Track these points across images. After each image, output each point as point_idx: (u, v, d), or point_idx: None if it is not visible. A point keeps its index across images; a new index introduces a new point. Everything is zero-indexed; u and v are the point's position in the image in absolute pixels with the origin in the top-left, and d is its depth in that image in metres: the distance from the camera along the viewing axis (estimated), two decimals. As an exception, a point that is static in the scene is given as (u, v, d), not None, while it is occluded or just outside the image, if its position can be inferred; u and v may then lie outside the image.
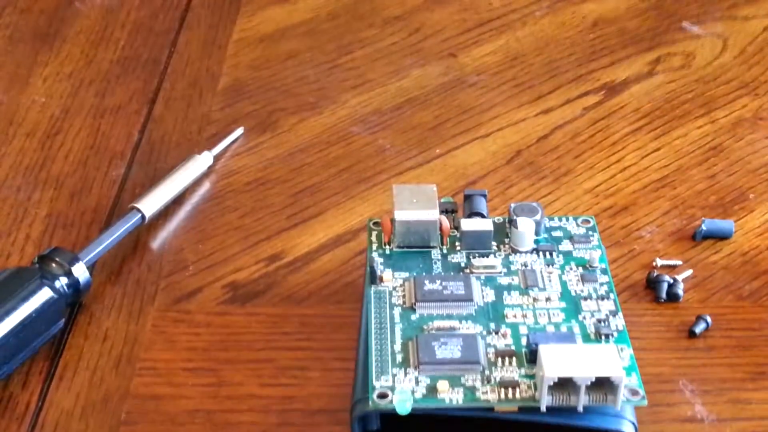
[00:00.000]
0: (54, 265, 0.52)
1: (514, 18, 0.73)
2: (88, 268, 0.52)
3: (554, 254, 0.51)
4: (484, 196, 0.53)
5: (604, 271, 0.50)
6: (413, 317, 0.47)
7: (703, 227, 0.56)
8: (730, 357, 0.50)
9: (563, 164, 0.61)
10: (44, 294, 0.50)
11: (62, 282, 0.51)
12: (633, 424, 0.44)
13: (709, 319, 0.51)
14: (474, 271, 0.50)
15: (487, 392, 0.44)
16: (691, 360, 0.50)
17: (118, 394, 0.49)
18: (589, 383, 0.42)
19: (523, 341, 0.46)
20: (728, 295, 0.53)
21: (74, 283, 0.52)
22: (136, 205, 0.56)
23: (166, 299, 0.54)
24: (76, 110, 0.66)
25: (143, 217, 0.56)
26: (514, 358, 0.45)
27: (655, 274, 0.53)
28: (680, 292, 0.53)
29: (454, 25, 0.73)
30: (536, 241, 0.51)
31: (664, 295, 0.53)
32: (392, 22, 0.73)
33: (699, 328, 0.51)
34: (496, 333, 0.46)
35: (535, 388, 0.44)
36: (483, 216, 0.52)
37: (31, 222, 0.58)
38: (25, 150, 0.63)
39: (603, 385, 0.43)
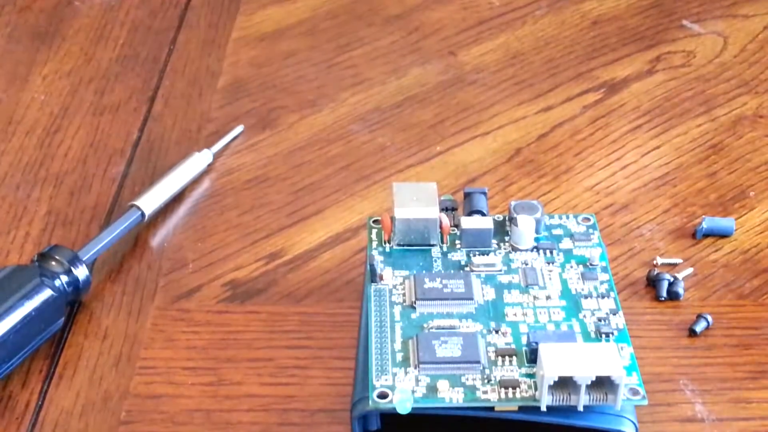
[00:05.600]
0: (53, 263, 0.52)
1: (514, 16, 0.73)
2: (87, 266, 0.52)
3: (554, 252, 0.51)
4: (484, 194, 0.52)
5: (604, 270, 0.50)
6: (413, 315, 0.47)
7: (704, 225, 0.56)
8: (730, 356, 0.50)
9: (563, 162, 0.61)
10: (44, 292, 0.50)
11: (62, 280, 0.51)
12: (633, 423, 0.44)
13: (709, 317, 0.51)
14: (474, 269, 0.50)
15: (487, 392, 0.44)
16: (691, 359, 0.50)
17: (118, 393, 0.49)
18: (589, 382, 0.42)
19: (524, 340, 0.46)
20: (729, 293, 0.53)
21: (74, 282, 0.52)
22: (135, 203, 0.56)
23: (165, 297, 0.54)
24: (76, 108, 0.66)
25: (143, 215, 0.56)
26: (514, 357, 0.45)
27: (655, 273, 0.53)
28: (681, 290, 0.53)
29: (454, 24, 0.73)
30: (536, 239, 0.51)
31: (664, 293, 0.53)
32: (392, 21, 0.73)
33: (699, 327, 0.51)
34: (497, 331, 0.46)
35: (536, 388, 0.44)
36: (483, 214, 0.52)
37: (31, 220, 0.58)
38: (25, 148, 0.63)
39: (603, 385, 0.43)
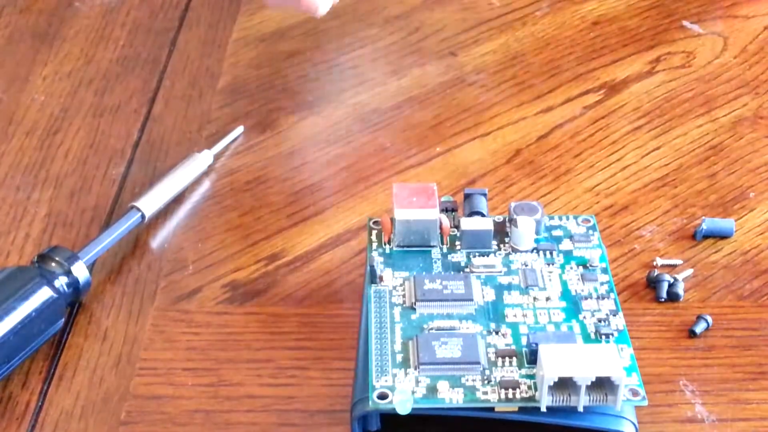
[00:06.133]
0: (53, 264, 0.52)
1: (514, 17, 0.73)
2: (87, 267, 0.52)
3: (554, 253, 0.51)
4: (484, 195, 0.52)
5: (604, 271, 0.50)
6: (413, 316, 0.47)
7: (704, 226, 0.56)
8: (730, 357, 0.50)
9: (563, 163, 0.61)
10: (44, 293, 0.50)
11: (62, 281, 0.51)
12: (633, 424, 0.44)
13: (709, 318, 0.51)
14: (474, 270, 0.50)
15: (487, 392, 0.44)
16: (691, 360, 0.50)
17: (118, 394, 0.49)
18: (589, 383, 0.42)
19: (524, 341, 0.46)
20: (729, 294, 0.53)
21: (74, 283, 0.52)
22: (135, 204, 0.56)
23: (165, 298, 0.54)
24: (76, 109, 0.66)
25: (143, 216, 0.56)
26: (514, 358, 0.45)
27: (655, 274, 0.53)
28: (681, 291, 0.53)
29: (454, 25, 0.73)
30: (536, 241, 0.51)
31: (664, 294, 0.53)
32: (392, 22, 0.73)
33: (699, 328, 0.51)
34: (497, 332, 0.46)
35: (536, 388, 0.44)
36: (483, 215, 0.52)
37: (31, 221, 0.58)
38: (25, 149, 0.63)
39: (603, 385, 0.43)
